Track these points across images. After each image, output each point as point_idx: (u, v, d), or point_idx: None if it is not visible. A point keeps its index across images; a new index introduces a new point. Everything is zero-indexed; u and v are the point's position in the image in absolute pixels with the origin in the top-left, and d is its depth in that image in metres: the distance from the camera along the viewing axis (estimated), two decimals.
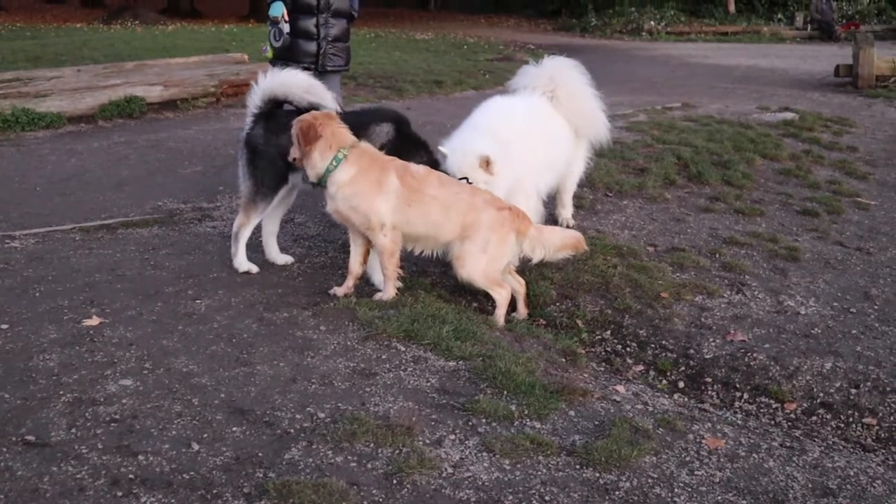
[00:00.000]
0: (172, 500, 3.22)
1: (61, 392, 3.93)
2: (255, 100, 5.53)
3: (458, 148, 5.47)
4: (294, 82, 5.50)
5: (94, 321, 4.70)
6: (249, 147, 5.53)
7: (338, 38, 7.59)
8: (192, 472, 3.39)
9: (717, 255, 6.32)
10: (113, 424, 3.70)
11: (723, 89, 14.23)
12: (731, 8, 33.63)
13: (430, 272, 5.81)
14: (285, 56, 7.48)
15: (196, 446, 3.58)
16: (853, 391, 4.60)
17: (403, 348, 4.55)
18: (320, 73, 7.43)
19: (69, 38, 21.06)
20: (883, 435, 4.31)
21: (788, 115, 11.45)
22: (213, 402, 3.92)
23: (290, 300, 5.14)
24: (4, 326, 4.61)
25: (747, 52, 22.75)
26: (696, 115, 11.38)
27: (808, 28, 29.25)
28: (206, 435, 3.67)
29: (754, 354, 4.93)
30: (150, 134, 10.04)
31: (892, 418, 4.42)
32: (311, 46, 7.46)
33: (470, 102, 12.66)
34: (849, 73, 15.18)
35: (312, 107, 5.42)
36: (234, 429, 3.72)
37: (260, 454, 3.54)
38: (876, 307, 5.59)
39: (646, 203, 7.49)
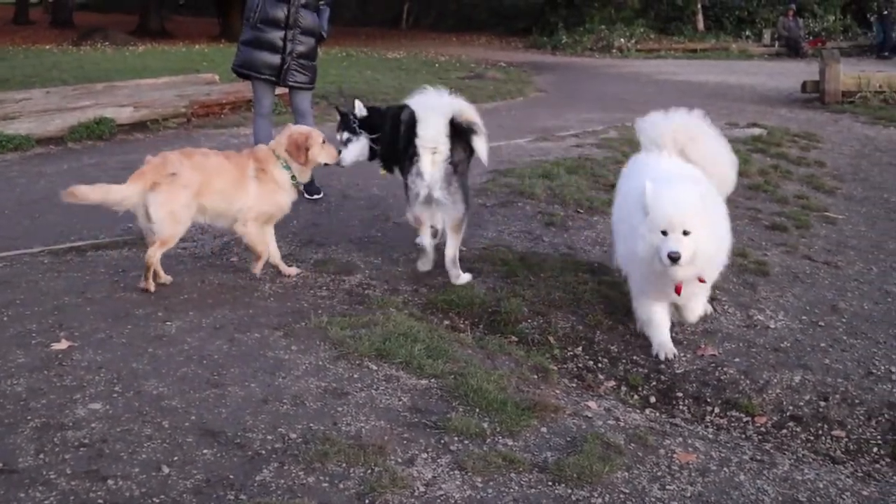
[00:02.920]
0: None
1: (29, 417, 3.89)
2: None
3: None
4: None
5: (63, 345, 4.66)
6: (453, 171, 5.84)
7: (304, 55, 7.64)
8: (162, 496, 3.37)
9: None
10: (82, 449, 3.67)
11: (691, 105, 14.15)
12: (700, 25, 33.99)
13: (402, 290, 5.81)
14: (246, 66, 7.62)
15: (166, 469, 3.55)
16: (822, 404, 4.64)
17: (375, 367, 4.54)
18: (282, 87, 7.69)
19: (38, 59, 20.95)
20: (852, 447, 4.35)
21: (756, 131, 11.59)
22: (184, 425, 3.90)
23: (261, 321, 5.12)
24: None
25: (716, 68, 22.99)
26: None
27: (776, 45, 29.61)
28: (176, 458, 3.64)
29: (725, 368, 4.96)
30: (121, 155, 9.99)
31: (860, 430, 4.45)
32: (275, 59, 7.54)
33: None
34: (816, 89, 15.37)
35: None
36: (205, 451, 3.70)
37: (231, 476, 3.52)
38: (844, 320, 5.64)
39: None
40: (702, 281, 4.94)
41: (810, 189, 8.93)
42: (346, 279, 5.96)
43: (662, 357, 5.05)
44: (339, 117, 6.30)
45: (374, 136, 6.13)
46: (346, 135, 6.16)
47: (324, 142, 5.96)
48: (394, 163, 6.08)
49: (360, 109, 6.22)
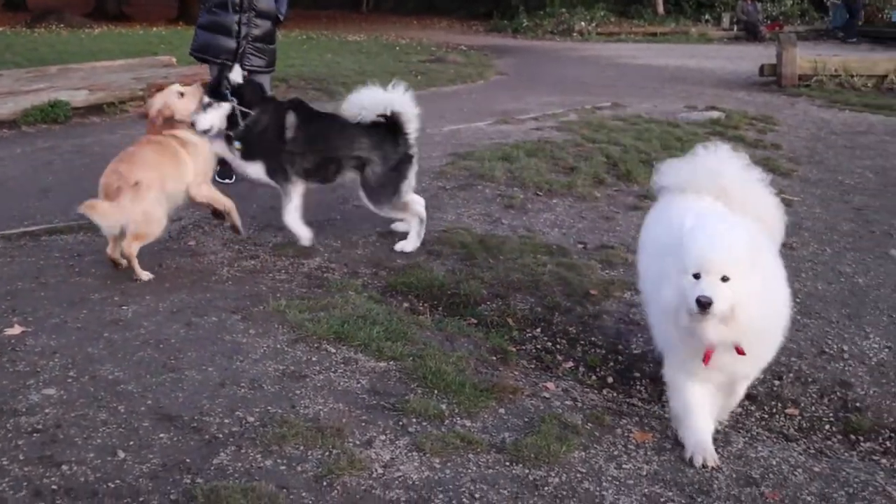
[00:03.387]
0: None
1: None
2: None
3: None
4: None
5: (17, 330, 4.61)
6: None
7: (259, 38, 7.57)
8: (117, 481, 3.34)
9: None
10: (35, 435, 3.63)
11: (651, 89, 14.45)
12: (660, 9, 34.10)
13: (361, 273, 5.80)
14: (203, 51, 7.56)
15: (122, 454, 3.52)
16: (776, 383, 4.70)
17: (334, 350, 4.54)
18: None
19: None
20: (805, 425, 4.41)
21: (715, 114, 11.67)
22: (140, 409, 3.87)
23: (218, 304, 5.09)
24: None
25: (675, 52, 23.11)
26: (625, 114, 11.54)
27: (735, 29, 29.79)
28: (132, 442, 3.61)
29: None
30: (76, 139, 9.86)
31: (813, 408, 4.52)
32: (230, 43, 7.47)
33: None
34: (773, 72, 15.51)
35: None
36: (162, 435, 3.68)
37: (188, 460, 3.50)
38: (798, 300, 5.71)
39: (575, 202, 7.56)
40: (740, 352, 3.66)
41: (766, 171, 8.93)
42: (305, 262, 5.94)
43: (699, 464, 3.73)
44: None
45: (244, 107, 6.10)
46: (207, 99, 6.04)
47: (182, 94, 5.96)
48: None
49: (236, 75, 6.17)
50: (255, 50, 7.56)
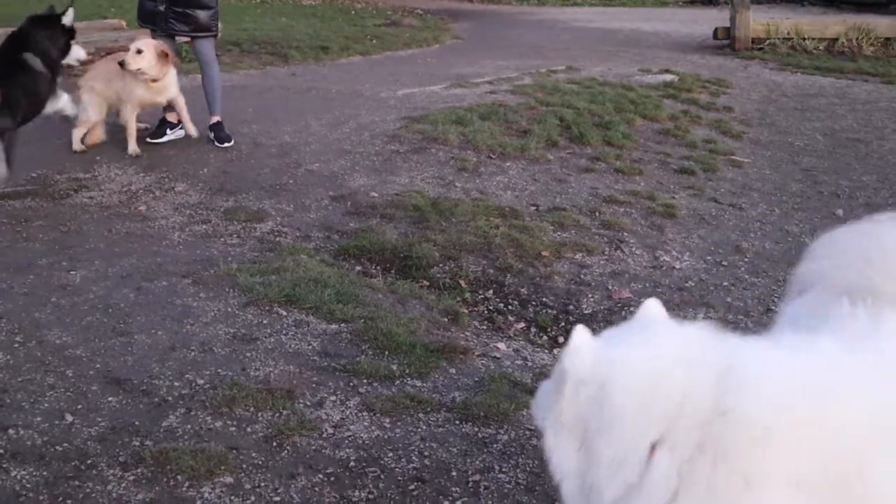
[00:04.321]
0: (45, 473, 3.16)
1: None
2: None
3: None
4: None
5: None
6: None
7: (185, 3, 7.39)
8: (65, 444, 3.33)
9: (597, 214, 6.46)
10: None
11: (606, 52, 14.46)
12: None
13: (314, 237, 5.78)
14: (140, 16, 7.62)
15: (70, 418, 3.51)
16: None
17: (285, 313, 4.53)
18: (168, 37, 7.52)
19: None
20: None
21: (668, 77, 11.73)
22: (88, 373, 3.85)
23: (169, 269, 5.05)
24: None
25: (631, 16, 23.12)
26: (579, 77, 11.55)
27: None
28: (80, 406, 3.60)
29: (631, 308, 5.06)
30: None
31: None
32: (150, 6, 7.43)
33: (356, 68, 12.65)
34: (727, 35, 15.58)
35: None
36: (110, 399, 3.66)
37: (137, 423, 3.49)
38: (746, 260, 5.81)
39: (528, 164, 7.58)
40: None
41: (718, 133, 9.10)
42: (257, 227, 5.91)
43: None
44: None
45: None
46: None
47: None
48: None
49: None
50: (176, 15, 7.41)
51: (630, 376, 1.82)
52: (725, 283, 5.42)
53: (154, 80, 7.23)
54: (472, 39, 17.30)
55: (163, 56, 7.17)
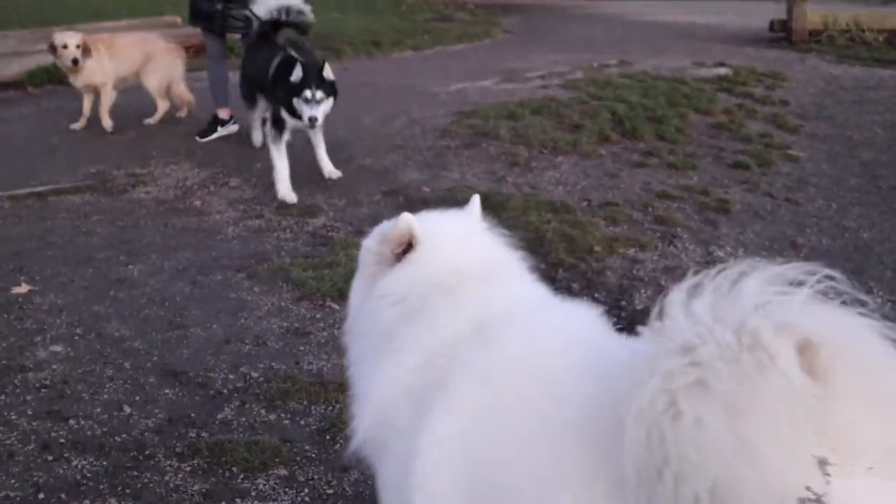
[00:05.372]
0: (104, 462, 3.23)
1: None
2: None
3: None
4: None
5: (24, 289, 4.66)
6: None
7: (236, 1, 7.44)
8: (123, 435, 3.40)
9: (650, 209, 6.41)
10: (43, 390, 3.69)
11: (659, 46, 14.32)
12: None
13: (366, 232, 5.80)
14: (194, 16, 7.70)
15: (128, 409, 3.58)
16: None
17: (337, 307, 4.56)
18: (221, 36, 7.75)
19: None
20: None
21: (723, 71, 11.59)
22: (146, 366, 3.92)
23: (223, 263, 5.12)
24: None
25: (685, 8, 22.87)
26: (631, 71, 11.45)
27: None
28: (138, 398, 3.67)
29: None
30: (81, 100, 9.83)
31: None
32: (206, 6, 7.55)
33: (407, 63, 12.68)
34: (783, 28, 15.35)
35: None
36: (167, 391, 3.73)
37: (192, 415, 3.55)
38: (802, 255, 5.71)
39: (580, 159, 7.55)
40: None
41: (774, 127, 8.97)
42: (310, 221, 5.96)
43: None
44: None
45: None
46: None
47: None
48: None
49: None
50: (231, 15, 7.47)
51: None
52: None
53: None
54: (523, 34, 17.24)
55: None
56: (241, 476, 3.19)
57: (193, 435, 3.42)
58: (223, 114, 7.92)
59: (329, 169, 6.83)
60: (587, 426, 1.69)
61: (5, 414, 3.50)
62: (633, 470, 1.53)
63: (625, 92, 9.81)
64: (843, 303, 1.59)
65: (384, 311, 2.15)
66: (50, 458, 3.25)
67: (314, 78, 6.18)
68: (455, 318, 2.06)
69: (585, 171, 7.26)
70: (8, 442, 3.32)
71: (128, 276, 4.90)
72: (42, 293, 4.62)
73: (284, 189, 6.34)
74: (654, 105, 9.19)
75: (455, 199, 6.23)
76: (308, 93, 6.15)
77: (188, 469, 3.22)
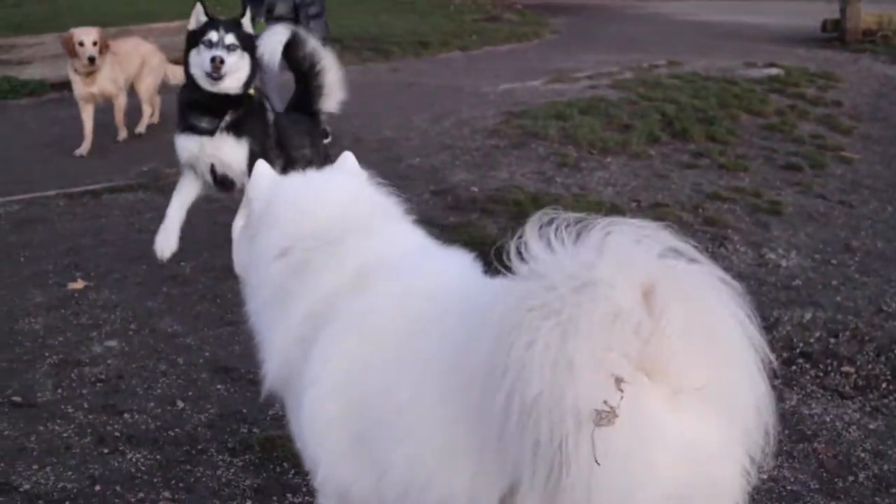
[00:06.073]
0: (158, 456, 3.27)
1: (47, 354, 3.98)
2: None
3: None
4: None
5: (79, 284, 4.74)
6: None
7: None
8: (177, 429, 3.45)
9: (700, 210, 6.36)
10: (98, 384, 3.75)
11: (709, 46, 14.19)
12: None
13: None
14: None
15: (181, 404, 3.63)
16: (832, 340, 4.64)
17: None
18: None
19: (51, 5, 20.84)
20: (860, 383, 4.36)
21: (774, 71, 11.46)
22: (198, 361, 3.97)
23: None
24: None
25: (735, 8, 22.62)
26: (681, 72, 11.37)
27: None
28: (190, 393, 3.71)
29: None
30: (134, 99, 9.97)
31: (869, 366, 4.46)
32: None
33: (455, 63, 12.69)
34: (836, 28, 15.13)
35: None
36: (219, 386, 3.77)
37: (244, 410, 3.59)
38: (856, 259, 5.64)
39: (629, 160, 7.50)
40: None
41: (827, 129, 8.85)
42: None
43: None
44: None
45: None
46: None
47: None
48: None
49: None
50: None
51: (285, 202, 2.40)
52: (834, 283, 5.26)
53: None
54: (572, 34, 17.18)
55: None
56: (292, 472, 3.21)
57: (245, 430, 3.45)
58: None
59: None
60: (446, 359, 1.88)
61: (63, 407, 3.56)
62: (479, 380, 1.73)
63: (674, 92, 9.75)
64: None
65: (270, 266, 2.34)
66: (105, 451, 3.31)
67: (226, 23, 4.96)
68: (338, 272, 2.25)
69: (635, 171, 7.22)
70: (65, 435, 3.38)
71: (180, 272, 4.96)
72: (97, 289, 4.70)
73: (161, 238, 4.80)
74: (705, 106, 9.11)
75: (504, 200, 6.24)
76: (213, 34, 4.83)
77: (240, 464, 3.26)
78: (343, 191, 2.51)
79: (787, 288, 5.18)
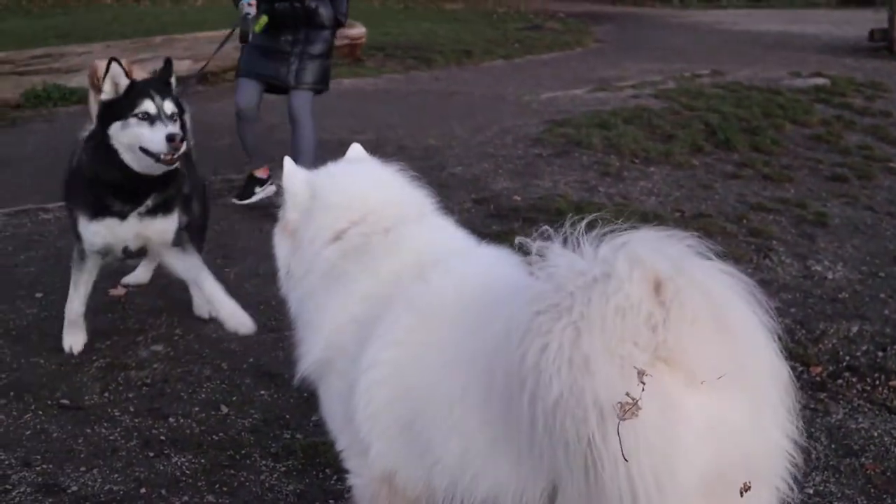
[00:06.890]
0: (202, 460, 3.31)
1: (94, 358, 4.04)
2: None
3: None
4: None
5: (120, 291, 4.82)
6: None
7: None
8: (221, 434, 3.48)
9: (745, 221, 6.30)
10: (144, 388, 3.80)
11: (753, 56, 14.07)
12: None
13: None
14: None
15: (225, 409, 3.66)
16: (880, 354, 4.58)
17: None
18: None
19: (99, 14, 21.18)
20: None
21: (820, 81, 11.33)
22: (242, 367, 4.01)
23: None
24: (39, 295, 4.72)
25: (779, 17, 22.45)
26: (724, 81, 11.29)
27: None
28: (234, 398, 3.75)
29: (780, 318, 4.89)
30: None
31: None
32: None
33: (498, 72, 12.71)
34: (884, 37, 14.95)
35: None
36: (262, 392, 3.80)
37: (287, 416, 3.61)
38: None
39: (673, 170, 7.46)
40: None
41: (875, 139, 8.74)
42: None
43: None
44: None
45: None
46: None
47: None
48: None
49: None
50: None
51: (332, 189, 2.48)
52: (882, 295, 5.19)
53: None
54: (615, 43, 17.14)
55: None
56: (335, 478, 3.23)
57: (288, 436, 3.47)
58: (260, 173, 6.71)
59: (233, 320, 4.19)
60: (484, 361, 1.92)
61: (109, 411, 3.61)
62: (502, 388, 1.81)
63: (718, 102, 9.68)
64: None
65: (324, 250, 2.41)
66: (151, 454, 3.35)
67: (156, 84, 4.13)
68: (397, 258, 2.35)
69: (678, 181, 7.17)
70: (112, 438, 3.43)
71: (224, 278, 4.98)
72: (143, 294, 4.76)
73: (69, 337, 4.16)
74: (749, 116, 9.04)
75: (547, 209, 6.23)
76: (148, 104, 3.90)
77: (283, 469, 3.28)
78: (385, 178, 2.59)
79: (833, 300, 5.12)
